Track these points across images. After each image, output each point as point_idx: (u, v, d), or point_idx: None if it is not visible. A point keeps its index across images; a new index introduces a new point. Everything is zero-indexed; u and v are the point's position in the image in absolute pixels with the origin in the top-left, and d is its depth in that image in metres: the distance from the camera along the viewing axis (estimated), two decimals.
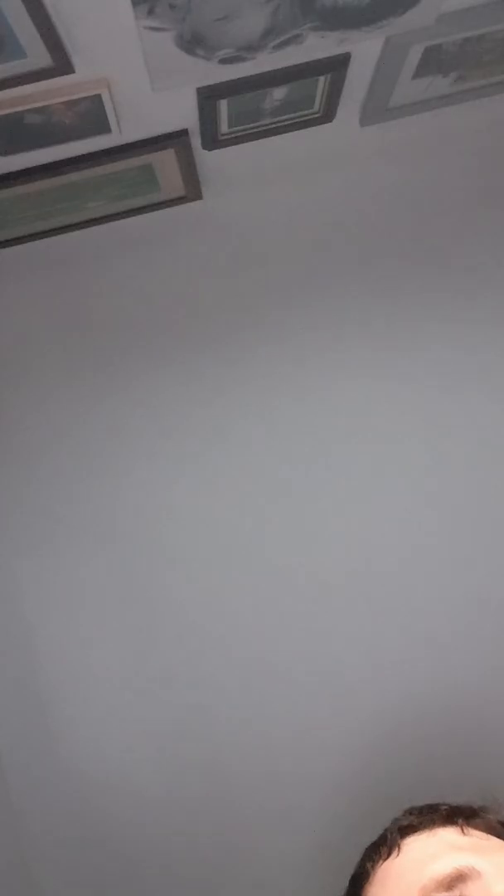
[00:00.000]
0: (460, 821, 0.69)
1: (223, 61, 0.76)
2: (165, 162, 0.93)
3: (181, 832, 1.07)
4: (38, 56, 0.68)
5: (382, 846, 0.70)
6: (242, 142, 0.94)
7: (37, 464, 1.09)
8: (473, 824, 0.69)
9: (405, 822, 0.71)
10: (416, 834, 0.69)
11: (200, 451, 1.09)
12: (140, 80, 0.77)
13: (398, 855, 0.67)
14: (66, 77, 0.73)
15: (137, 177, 0.95)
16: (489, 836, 0.68)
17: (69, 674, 1.08)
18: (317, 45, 0.77)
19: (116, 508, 1.09)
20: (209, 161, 0.97)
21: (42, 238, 1.03)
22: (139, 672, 1.08)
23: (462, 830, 0.67)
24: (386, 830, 0.72)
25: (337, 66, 0.83)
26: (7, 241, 1.02)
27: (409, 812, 0.73)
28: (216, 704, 1.08)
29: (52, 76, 0.71)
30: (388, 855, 0.68)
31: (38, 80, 0.72)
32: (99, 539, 1.09)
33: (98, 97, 0.78)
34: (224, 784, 1.08)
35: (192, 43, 0.72)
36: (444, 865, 0.61)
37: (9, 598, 1.09)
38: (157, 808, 1.07)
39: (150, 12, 0.67)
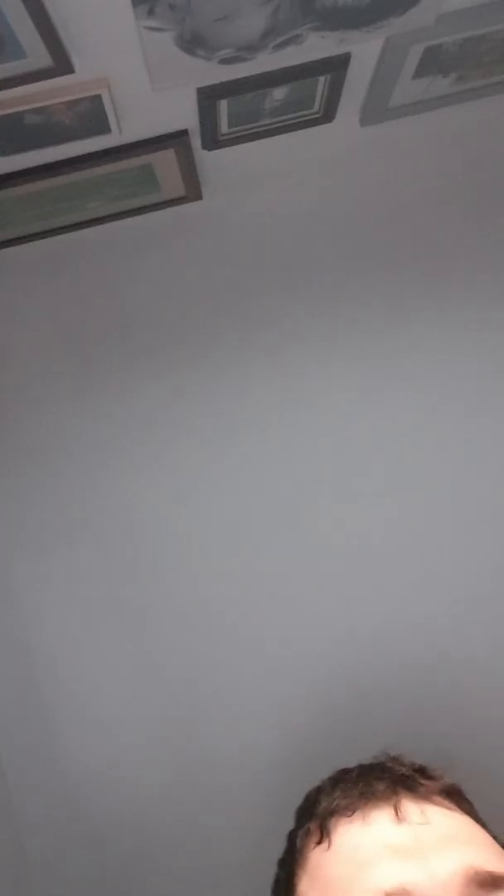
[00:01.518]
0: (397, 798, 0.63)
1: (223, 61, 0.76)
2: (165, 162, 0.93)
3: (181, 830, 1.07)
4: (38, 56, 0.68)
5: (310, 823, 0.65)
6: (242, 142, 0.94)
7: (35, 464, 1.09)
8: (414, 797, 0.63)
9: (335, 804, 0.65)
10: (348, 820, 0.63)
11: (199, 451, 1.09)
12: (140, 80, 0.77)
13: (329, 846, 0.62)
14: (66, 77, 0.73)
15: (137, 177, 0.95)
16: (431, 810, 0.62)
17: (68, 673, 1.09)
18: (317, 45, 0.77)
19: (116, 509, 1.09)
20: (209, 161, 0.97)
21: (42, 238, 1.03)
22: (139, 671, 1.08)
23: (398, 815, 0.61)
24: (315, 802, 0.67)
25: (337, 66, 0.83)
26: (7, 241, 1.02)
27: (343, 786, 0.68)
28: (217, 704, 1.08)
29: (52, 76, 0.71)
30: (320, 841, 0.63)
31: (38, 80, 0.71)
32: (98, 540, 1.09)
33: (98, 97, 0.77)
34: (226, 783, 1.08)
35: (192, 43, 0.72)
36: (379, 881, 0.56)
37: (8, 598, 1.09)
38: (157, 806, 1.08)
39: (150, 12, 0.67)
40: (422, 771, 0.68)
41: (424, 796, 0.64)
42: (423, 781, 0.66)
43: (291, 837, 0.69)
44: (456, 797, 0.67)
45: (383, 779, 0.67)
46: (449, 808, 0.64)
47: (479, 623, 1.08)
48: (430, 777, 0.68)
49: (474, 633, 1.08)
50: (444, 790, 0.67)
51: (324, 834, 0.63)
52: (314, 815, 0.67)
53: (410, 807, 0.62)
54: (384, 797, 0.64)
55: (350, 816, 0.63)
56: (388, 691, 1.07)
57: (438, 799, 0.65)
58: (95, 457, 1.09)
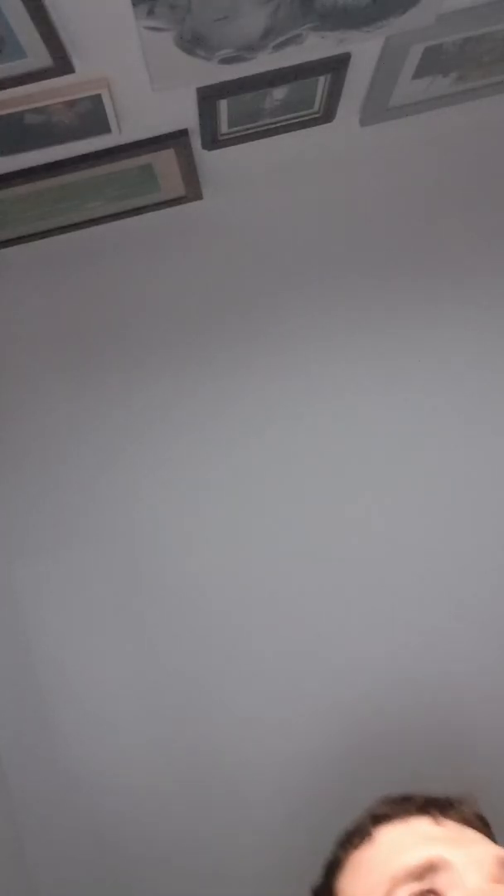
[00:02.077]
0: (434, 811, 0.67)
1: (223, 61, 0.76)
2: (165, 162, 0.93)
3: (180, 831, 1.07)
4: (38, 56, 0.68)
5: (355, 834, 0.69)
6: (242, 142, 0.94)
7: (35, 466, 1.09)
8: (448, 815, 0.67)
9: (379, 811, 0.69)
10: (389, 823, 0.67)
11: (199, 452, 1.09)
12: (140, 80, 0.77)
13: (371, 844, 0.65)
14: (66, 77, 0.73)
15: (137, 177, 0.95)
16: (464, 827, 0.66)
17: (69, 674, 1.08)
18: (317, 45, 0.77)
19: (116, 510, 1.09)
20: (209, 161, 0.97)
21: (42, 238, 1.03)
22: (138, 673, 1.08)
23: (436, 821, 0.66)
24: (359, 818, 0.71)
25: (337, 66, 0.83)
26: (7, 241, 1.02)
27: (384, 801, 0.71)
28: (216, 706, 1.08)
29: (52, 76, 0.72)
30: (361, 843, 0.66)
31: (38, 80, 0.72)
32: (98, 542, 1.09)
33: (98, 97, 0.78)
34: (227, 783, 1.08)
35: (192, 43, 0.72)
36: (416, 856, 0.59)
37: (8, 599, 1.09)
38: (157, 806, 1.08)
39: (150, 12, 0.67)
40: (456, 799, 0.73)
41: (458, 817, 0.69)
42: (456, 805, 0.71)
43: (337, 847, 0.73)
44: (485, 825, 0.72)
45: (422, 797, 0.72)
46: (480, 830, 0.69)
47: (486, 637, 1.08)
48: (462, 803, 0.72)
49: (483, 649, 1.08)
50: (476, 815, 0.71)
51: (364, 836, 0.67)
52: (358, 828, 0.71)
53: (446, 820, 0.67)
54: (423, 810, 0.68)
55: (390, 822, 0.68)
56: (385, 702, 1.07)
57: (470, 821, 0.70)
58: (95, 457, 1.09)
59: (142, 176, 0.95)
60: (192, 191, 1.01)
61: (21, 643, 1.09)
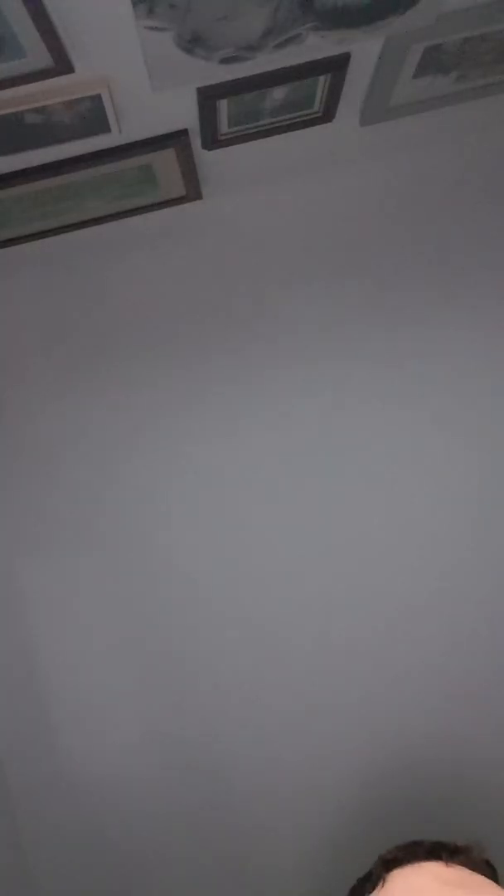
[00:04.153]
0: (444, 855, 0.71)
1: (223, 61, 0.76)
2: (165, 162, 0.93)
3: (179, 832, 1.07)
4: (38, 56, 0.68)
5: (367, 881, 0.72)
6: (242, 142, 0.94)
7: (36, 465, 1.09)
8: (457, 860, 0.71)
9: (390, 856, 0.73)
10: (400, 867, 0.71)
11: (199, 453, 1.10)
12: (140, 80, 0.77)
13: (383, 887, 0.69)
14: (66, 77, 0.73)
15: (137, 177, 0.95)
16: (472, 872, 0.69)
17: (69, 675, 1.09)
18: (317, 45, 0.77)
19: (116, 510, 1.09)
20: (209, 161, 0.97)
21: (42, 238, 1.03)
22: (139, 675, 1.08)
23: (446, 864, 0.69)
24: (372, 867, 0.74)
25: (337, 66, 0.83)
26: (7, 241, 1.02)
27: (395, 847, 0.75)
28: (216, 707, 1.08)
29: (52, 76, 0.71)
30: (373, 889, 0.70)
31: (38, 80, 0.71)
32: (99, 542, 1.09)
33: (98, 97, 0.77)
34: (222, 786, 1.08)
35: (192, 43, 0.72)
36: None
37: (9, 599, 1.09)
38: (157, 806, 1.08)
39: (150, 12, 0.67)
40: (464, 845, 0.76)
41: (467, 861, 0.72)
42: (464, 850, 0.75)
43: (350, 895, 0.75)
44: (493, 870, 0.75)
45: (431, 842, 0.75)
46: (488, 875, 0.72)
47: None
48: (470, 849, 0.76)
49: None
50: (483, 861, 0.75)
51: (378, 881, 0.71)
52: (370, 875, 0.75)
53: (456, 864, 0.71)
54: (434, 854, 0.72)
55: (402, 866, 0.72)
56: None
57: (478, 866, 0.73)
58: (93, 455, 1.09)
59: (142, 176, 0.95)
60: (192, 191, 1.01)
61: (20, 637, 1.09)
